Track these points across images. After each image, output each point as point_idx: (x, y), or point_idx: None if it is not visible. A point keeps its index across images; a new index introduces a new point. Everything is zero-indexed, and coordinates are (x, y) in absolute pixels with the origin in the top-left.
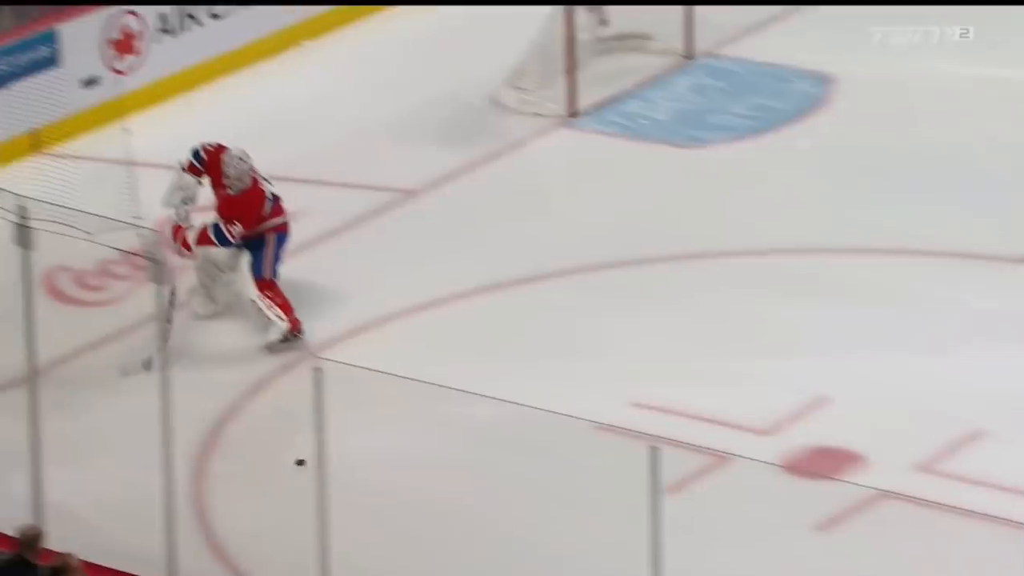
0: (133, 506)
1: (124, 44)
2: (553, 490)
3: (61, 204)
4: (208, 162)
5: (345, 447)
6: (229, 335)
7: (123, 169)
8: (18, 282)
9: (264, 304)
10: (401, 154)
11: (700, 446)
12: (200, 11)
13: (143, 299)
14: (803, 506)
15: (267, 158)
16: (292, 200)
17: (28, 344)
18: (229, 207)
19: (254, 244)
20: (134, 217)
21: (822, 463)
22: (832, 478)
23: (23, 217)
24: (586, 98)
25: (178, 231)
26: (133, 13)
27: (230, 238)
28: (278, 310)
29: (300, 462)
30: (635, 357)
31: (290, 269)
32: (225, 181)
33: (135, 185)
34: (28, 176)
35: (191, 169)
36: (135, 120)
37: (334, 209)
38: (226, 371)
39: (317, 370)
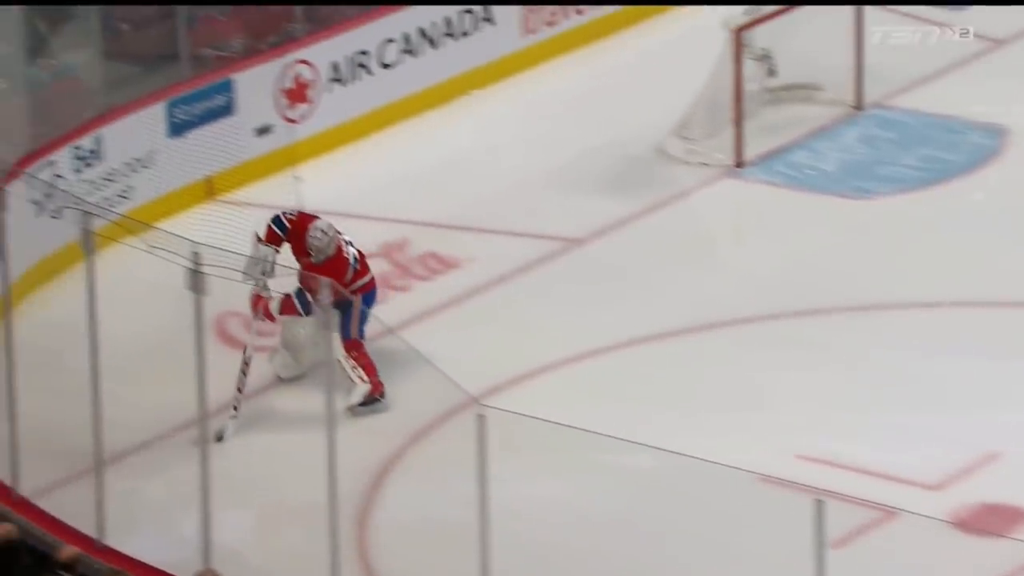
0: (298, 550)
1: (297, 93)
2: (715, 543)
3: (233, 250)
4: (291, 231)
5: (506, 495)
6: (391, 383)
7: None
8: (190, 326)
9: (349, 365)
10: (566, 203)
11: (866, 500)
12: (371, 60)
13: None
14: (971, 563)
15: (433, 206)
16: (458, 248)
17: (199, 387)
18: (313, 276)
19: (342, 306)
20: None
21: (991, 520)
22: (1001, 535)
23: (196, 263)
24: (753, 148)
25: (259, 301)
26: (306, 62)
27: (313, 308)
28: (362, 371)
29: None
30: (800, 408)
31: (457, 315)
32: (309, 251)
33: None
34: (202, 222)
35: (270, 237)
36: (306, 168)
37: (499, 257)
38: (389, 417)
39: (480, 417)
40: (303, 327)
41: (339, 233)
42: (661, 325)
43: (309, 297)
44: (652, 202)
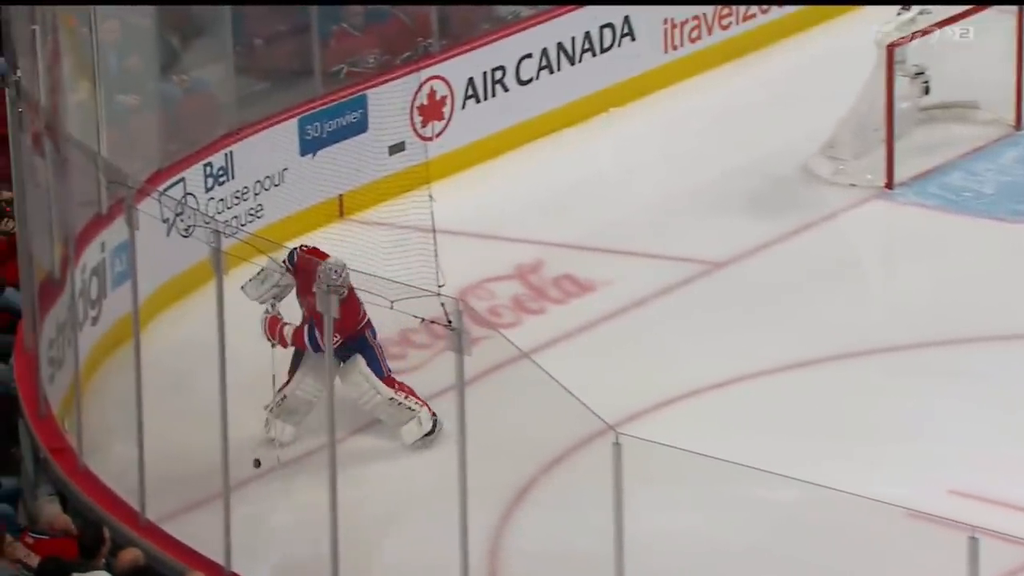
0: None
1: (431, 110)
2: None
3: (364, 271)
4: (300, 267)
5: (641, 527)
6: (524, 410)
7: (426, 236)
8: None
9: (401, 398)
10: (707, 224)
11: (1022, 538)
12: (508, 77)
13: (443, 369)
14: None
15: (570, 227)
16: (594, 271)
17: (328, 412)
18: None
19: (359, 345)
20: (436, 285)
21: None
22: None
23: (328, 283)
24: (905, 169)
25: (274, 323)
26: (441, 79)
27: (322, 346)
28: (415, 399)
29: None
30: (953, 441)
31: (592, 339)
32: (316, 290)
33: (437, 252)
34: (333, 242)
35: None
36: (439, 186)
37: (637, 280)
38: (522, 445)
39: (616, 445)
40: (304, 389)
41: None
42: (806, 352)
43: (319, 336)
44: (797, 224)
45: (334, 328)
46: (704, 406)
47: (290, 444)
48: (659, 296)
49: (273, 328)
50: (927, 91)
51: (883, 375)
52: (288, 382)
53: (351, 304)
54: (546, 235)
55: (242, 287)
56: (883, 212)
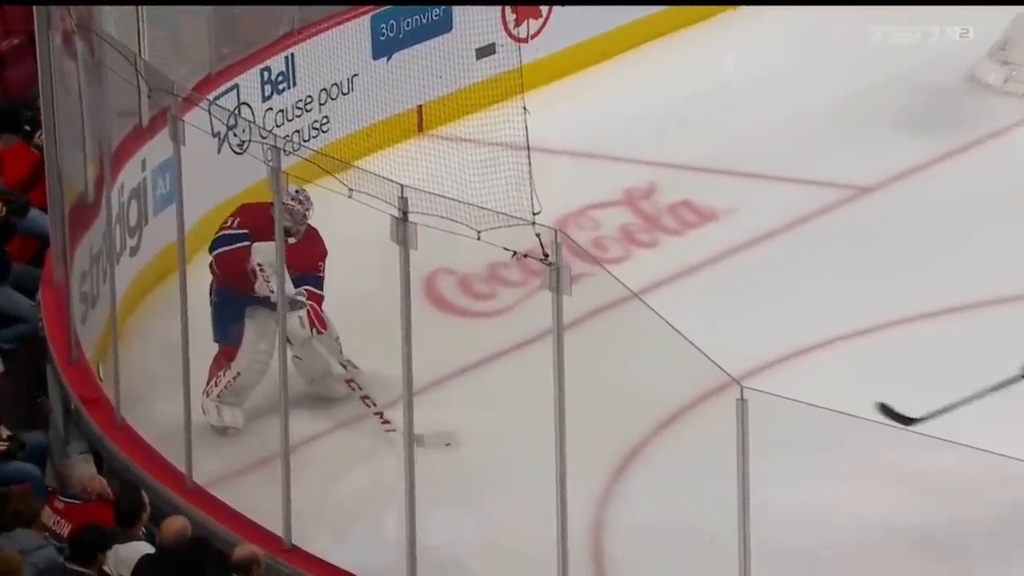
0: (521, 556)
1: (525, 7)
2: None
3: (447, 195)
4: (252, 223)
5: (771, 497)
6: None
7: (519, 155)
8: (396, 286)
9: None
10: (853, 142)
11: None
12: None
13: (538, 310)
14: None
15: (688, 146)
16: (717, 196)
17: (405, 362)
18: (304, 256)
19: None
20: (531, 212)
21: None
22: None
23: (403, 210)
24: None
25: (313, 311)
26: None
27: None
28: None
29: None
30: None
31: (714, 277)
32: (290, 227)
33: (532, 175)
34: (410, 161)
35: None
36: (534, 97)
37: (767, 208)
38: (633, 400)
39: (742, 401)
40: (260, 357)
41: None
42: (970, 294)
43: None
44: (961, 142)
45: (292, 264)
46: (848, 356)
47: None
48: (793, 227)
49: (315, 316)
50: None
51: None
52: (234, 358)
53: (315, 233)
54: (660, 155)
55: None
56: None
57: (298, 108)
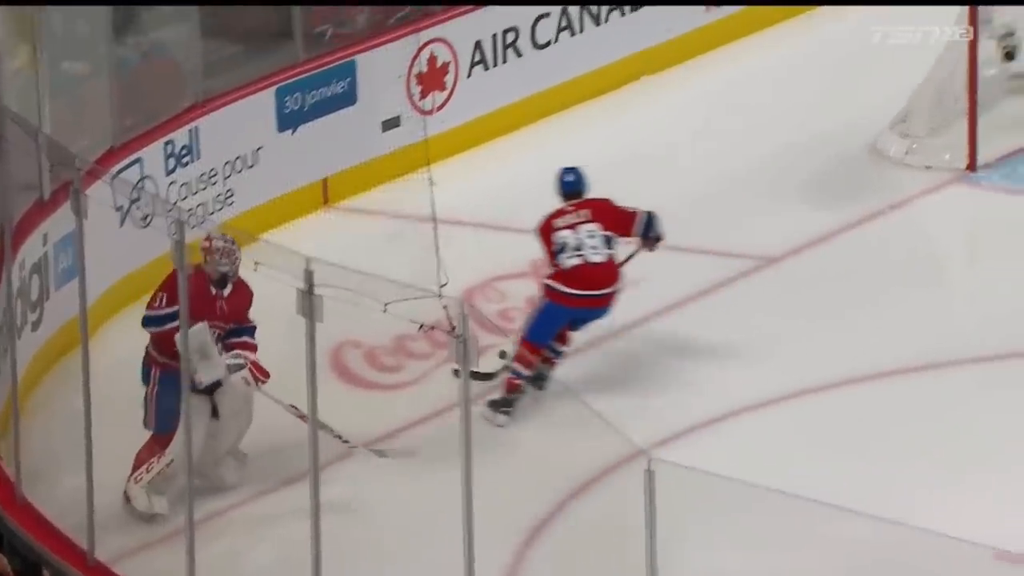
0: None
1: (431, 78)
2: None
3: (353, 267)
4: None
5: (681, 567)
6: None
7: (426, 227)
8: (302, 359)
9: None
10: (760, 212)
11: None
12: (522, 40)
13: (445, 382)
14: None
15: None
16: (628, 267)
17: (311, 434)
18: (238, 306)
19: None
20: (437, 284)
21: None
22: None
23: (309, 282)
24: (991, 147)
25: (254, 364)
26: (443, 42)
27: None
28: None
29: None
30: None
31: (622, 347)
32: (220, 277)
33: (438, 247)
34: (316, 233)
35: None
36: (440, 168)
37: (675, 277)
38: (541, 471)
39: (649, 472)
40: (195, 440)
41: None
42: (876, 363)
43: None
44: (864, 213)
45: (228, 316)
46: (756, 426)
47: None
48: (702, 296)
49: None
50: (1010, 56)
51: (969, 389)
52: (167, 445)
53: (243, 289)
54: None
55: None
56: (964, 198)
57: (202, 181)
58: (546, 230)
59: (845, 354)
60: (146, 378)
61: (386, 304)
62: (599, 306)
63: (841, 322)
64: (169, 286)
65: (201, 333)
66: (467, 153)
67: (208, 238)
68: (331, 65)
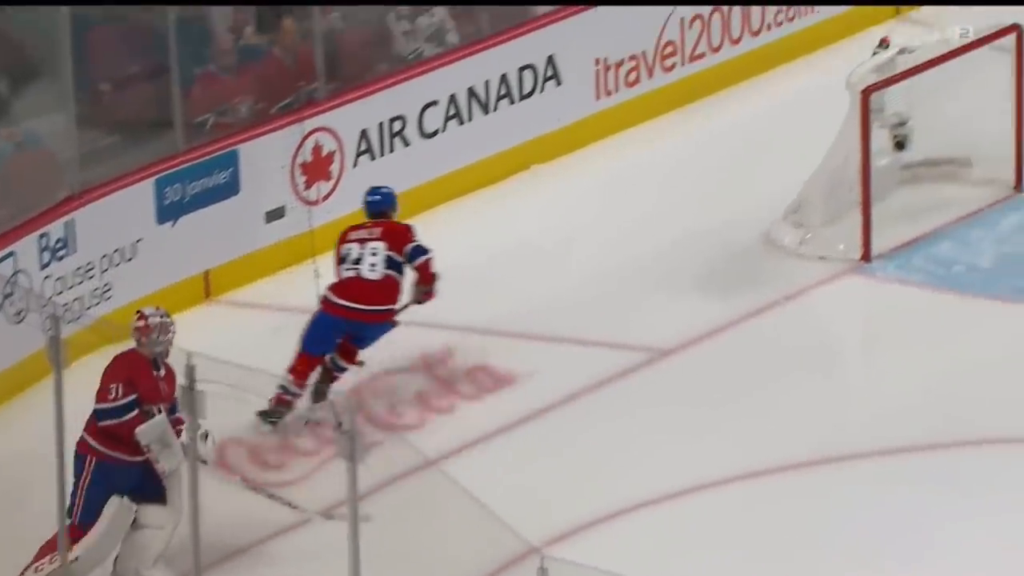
0: None
1: (316, 168)
2: None
3: (236, 362)
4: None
5: None
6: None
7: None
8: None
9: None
10: (651, 304)
11: None
12: (409, 128)
13: (332, 481)
14: None
15: (485, 308)
16: (516, 360)
17: (192, 533)
18: (172, 383)
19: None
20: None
21: None
22: None
23: (191, 378)
24: (885, 238)
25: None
26: (328, 131)
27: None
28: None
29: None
30: (956, 565)
31: (513, 444)
32: (157, 355)
33: None
34: (198, 327)
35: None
36: (326, 261)
37: (567, 371)
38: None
39: (542, 571)
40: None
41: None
42: (773, 457)
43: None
44: (758, 304)
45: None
46: (650, 522)
47: None
48: (593, 391)
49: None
50: (901, 146)
51: (866, 485)
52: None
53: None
54: (457, 318)
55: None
56: (859, 290)
57: (79, 275)
58: (339, 240)
59: (740, 448)
60: (79, 468)
61: (270, 400)
62: (365, 321)
63: (735, 416)
64: (119, 375)
65: (162, 423)
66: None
67: (142, 316)
68: (212, 155)
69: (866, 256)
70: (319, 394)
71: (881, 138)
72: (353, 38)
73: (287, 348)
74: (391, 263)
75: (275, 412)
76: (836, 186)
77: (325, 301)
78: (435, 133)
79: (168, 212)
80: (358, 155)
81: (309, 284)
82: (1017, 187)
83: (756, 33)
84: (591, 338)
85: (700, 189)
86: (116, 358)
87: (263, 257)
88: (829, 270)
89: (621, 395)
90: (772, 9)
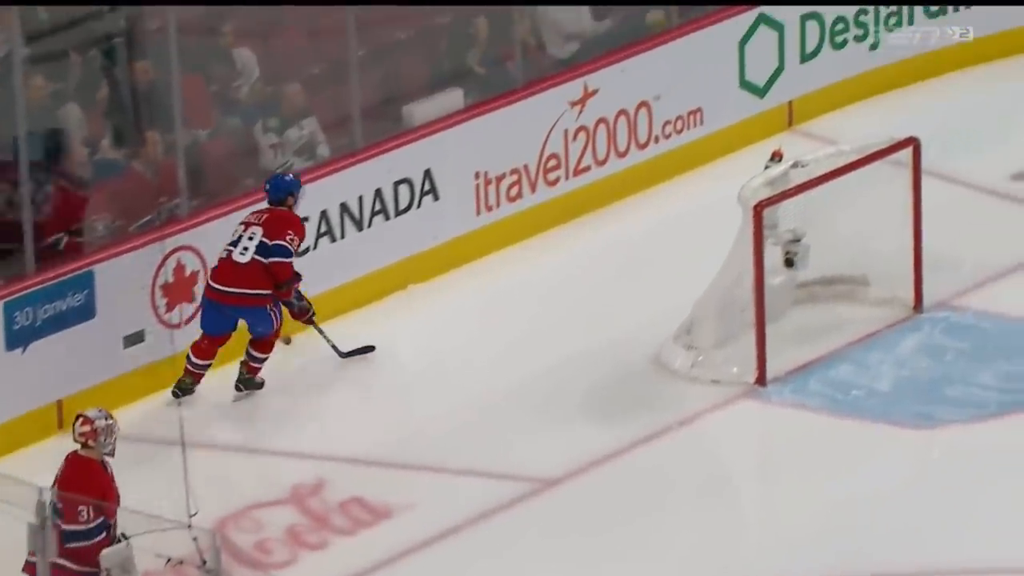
0: None
1: (178, 289)
2: None
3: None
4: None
5: None
6: None
7: (174, 452)
8: None
9: None
10: (536, 430)
11: None
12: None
13: None
14: None
15: (359, 437)
16: (392, 492)
17: None
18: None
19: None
20: (187, 514)
21: None
22: None
23: (42, 516)
24: (780, 360)
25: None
26: (191, 249)
27: None
28: None
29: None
30: None
31: None
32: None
33: (188, 473)
34: (51, 460)
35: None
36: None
37: (446, 504)
38: None
39: None
40: None
41: None
42: None
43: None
44: (648, 431)
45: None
46: None
47: None
48: (475, 524)
49: None
50: (791, 263)
51: None
52: None
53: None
54: (330, 448)
55: None
56: (754, 415)
57: None
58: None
59: None
60: None
61: (129, 537)
62: (222, 302)
63: (626, 547)
64: (89, 494)
65: (127, 550)
66: (219, 369)
67: (86, 420)
68: (66, 277)
69: (761, 380)
70: (240, 384)
71: (775, 255)
72: (218, 151)
73: (148, 482)
74: (262, 249)
75: (181, 383)
76: (729, 306)
77: (205, 284)
78: (306, 251)
79: (18, 338)
80: None
81: (171, 412)
82: (916, 307)
83: (643, 146)
84: (472, 468)
85: (586, 308)
86: (76, 471)
87: (121, 384)
88: (722, 394)
89: (505, 528)
90: (660, 121)
